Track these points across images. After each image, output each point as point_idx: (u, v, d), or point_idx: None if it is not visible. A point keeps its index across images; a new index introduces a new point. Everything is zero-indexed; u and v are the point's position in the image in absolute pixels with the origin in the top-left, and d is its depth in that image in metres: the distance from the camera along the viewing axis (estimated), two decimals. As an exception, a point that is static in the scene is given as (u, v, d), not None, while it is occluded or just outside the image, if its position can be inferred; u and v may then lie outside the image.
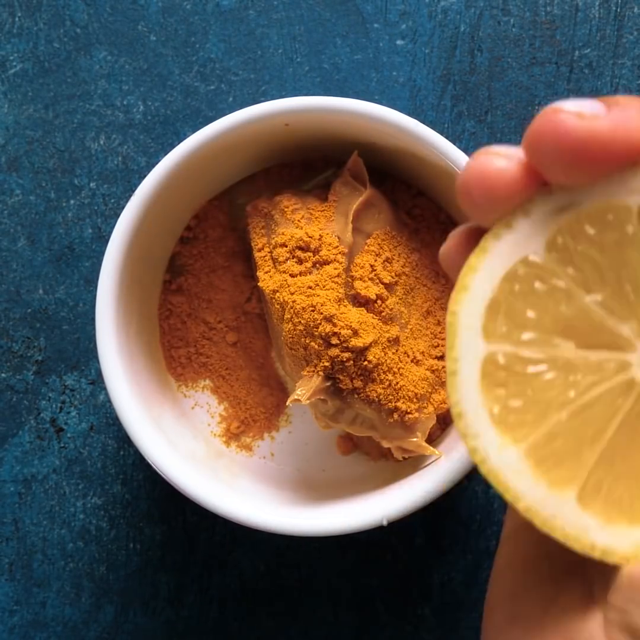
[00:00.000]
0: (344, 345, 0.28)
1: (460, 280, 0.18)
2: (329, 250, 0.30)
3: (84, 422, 0.36)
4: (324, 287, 0.29)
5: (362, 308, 0.30)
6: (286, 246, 0.30)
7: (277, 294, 0.30)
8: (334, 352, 0.28)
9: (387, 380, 0.29)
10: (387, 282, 0.31)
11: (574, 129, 0.16)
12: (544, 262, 0.18)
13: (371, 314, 0.30)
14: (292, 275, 0.30)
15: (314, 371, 0.29)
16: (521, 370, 0.18)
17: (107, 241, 0.30)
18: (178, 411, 0.34)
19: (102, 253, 0.30)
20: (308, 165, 0.34)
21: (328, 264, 0.30)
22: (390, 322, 0.30)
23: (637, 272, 0.17)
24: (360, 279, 0.30)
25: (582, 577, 0.20)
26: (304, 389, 0.28)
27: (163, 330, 0.34)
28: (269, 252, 0.31)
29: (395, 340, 0.30)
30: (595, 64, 0.36)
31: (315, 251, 0.30)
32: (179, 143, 0.30)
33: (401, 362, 0.30)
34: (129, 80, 0.37)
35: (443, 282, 0.33)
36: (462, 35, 0.36)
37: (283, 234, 0.30)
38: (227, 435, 0.34)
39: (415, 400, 0.30)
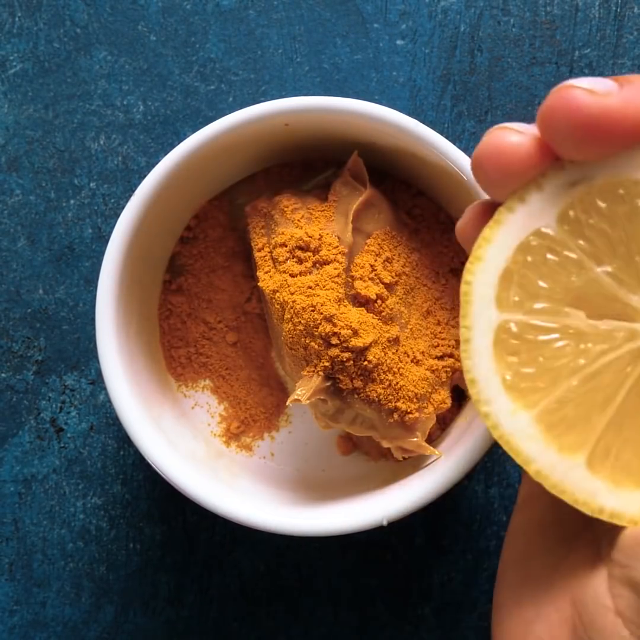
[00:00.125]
0: (344, 345, 0.28)
1: (475, 251, 0.19)
2: (329, 250, 0.30)
3: (84, 422, 0.36)
4: (324, 287, 0.29)
5: (362, 308, 0.30)
6: (286, 246, 0.30)
7: (277, 294, 0.30)
8: (334, 352, 0.28)
9: (387, 380, 0.29)
10: (387, 282, 0.31)
11: (585, 105, 0.17)
12: (556, 234, 0.18)
13: (371, 314, 0.30)
14: (292, 275, 0.30)
15: (314, 371, 0.29)
16: (533, 339, 0.18)
17: (107, 241, 0.30)
18: (178, 411, 0.34)
19: (102, 253, 0.30)
20: (308, 165, 0.34)
21: (328, 264, 0.30)
22: (390, 322, 0.30)
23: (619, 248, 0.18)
24: (361, 279, 0.30)
25: (591, 538, 0.21)
26: (304, 389, 0.28)
27: (163, 330, 0.34)
28: (269, 252, 0.31)
29: (395, 340, 0.30)
30: (595, 64, 0.36)
31: (315, 251, 0.30)
32: (179, 143, 0.30)
33: (401, 362, 0.30)
34: (129, 80, 0.37)
35: (443, 282, 0.33)
36: (462, 35, 0.36)
37: (283, 233, 0.30)
38: (227, 435, 0.34)
39: (415, 400, 0.30)
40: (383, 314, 0.30)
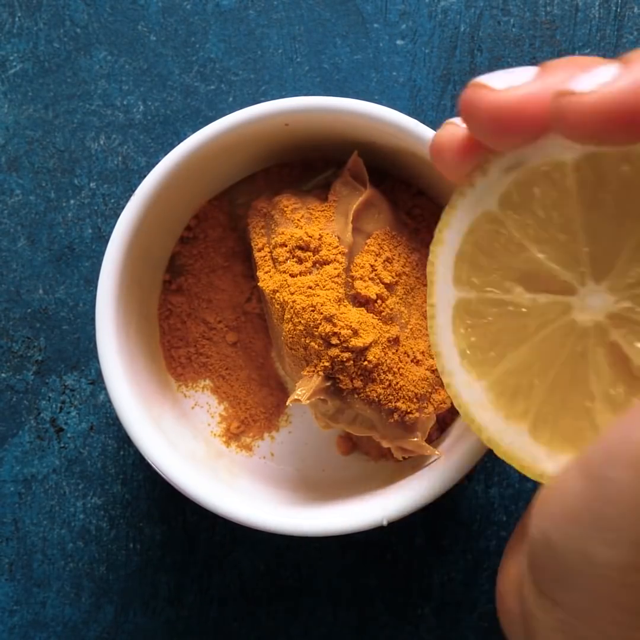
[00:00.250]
0: (344, 345, 0.28)
1: (437, 235, 0.20)
2: (329, 250, 0.30)
3: (84, 422, 0.36)
4: (324, 287, 0.29)
5: (362, 308, 0.30)
6: (286, 246, 0.30)
7: (277, 294, 0.30)
8: (334, 352, 0.28)
9: (387, 380, 0.29)
10: (388, 282, 0.31)
11: (483, 102, 0.18)
12: (499, 217, 0.19)
13: (371, 314, 0.30)
14: (292, 275, 0.30)
15: (314, 371, 0.29)
16: (484, 314, 0.20)
17: (107, 241, 0.30)
18: (178, 411, 0.34)
19: (102, 253, 0.30)
20: (308, 165, 0.34)
21: (328, 264, 0.30)
22: (390, 322, 0.30)
23: (575, 223, 0.18)
24: (361, 279, 0.30)
25: None
26: (304, 389, 0.28)
27: (163, 330, 0.34)
28: (269, 252, 0.31)
29: (396, 340, 0.30)
30: (595, 64, 0.36)
31: (315, 251, 0.30)
32: (179, 143, 0.30)
33: (401, 362, 0.30)
34: (129, 80, 0.37)
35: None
36: (462, 35, 0.36)
37: (283, 233, 0.30)
38: (227, 435, 0.34)
39: (415, 400, 0.30)
40: (383, 314, 0.30)
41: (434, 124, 0.36)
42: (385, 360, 0.29)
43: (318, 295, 0.29)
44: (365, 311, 0.30)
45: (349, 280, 0.30)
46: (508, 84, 0.18)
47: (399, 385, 0.29)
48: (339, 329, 0.28)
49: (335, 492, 0.32)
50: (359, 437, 0.33)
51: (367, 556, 0.36)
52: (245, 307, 0.34)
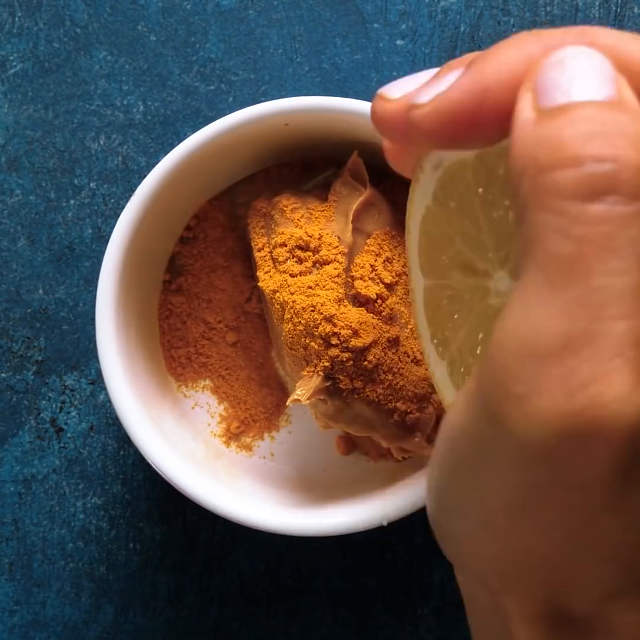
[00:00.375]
0: (344, 345, 0.28)
1: (406, 223, 0.22)
2: (328, 250, 0.30)
3: (84, 422, 0.36)
4: (324, 287, 0.29)
5: (362, 308, 0.30)
6: (286, 246, 0.30)
7: (277, 294, 0.30)
8: (334, 352, 0.28)
9: (387, 380, 0.29)
10: (388, 281, 0.31)
11: (376, 113, 0.19)
12: (434, 211, 0.21)
13: (371, 314, 0.30)
14: (292, 275, 0.30)
15: (314, 371, 0.29)
16: (440, 298, 0.22)
17: (107, 241, 0.30)
18: (178, 411, 0.34)
19: (102, 253, 0.30)
20: (308, 165, 0.34)
21: (328, 264, 0.30)
22: (390, 322, 0.30)
23: (479, 218, 0.20)
24: (361, 279, 0.30)
25: None
26: (304, 389, 0.28)
27: (163, 330, 0.34)
28: (269, 252, 0.31)
29: (396, 341, 0.30)
30: (595, 64, 0.36)
31: (315, 251, 0.30)
32: (179, 143, 0.30)
33: (401, 362, 0.30)
34: (129, 80, 0.37)
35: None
36: (462, 35, 0.36)
37: (283, 233, 0.30)
38: (227, 436, 0.34)
39: (415, 400, 0.30)
40: (383, 313, 0.30)
41: (434, 124, 0.36)
42: (385, 360, 0.29)
43: (318, 295, 0.29)
44: (365, 311, 0.30)
45: (349, 280, 0.30)
46: (402, 93, 0.19)
47: (399, 386, 0.29)
48: (339, 329, 0.28)
49: (335, 492, 0.32)
50: (359, 437, 0.33)
51: (367, 556, 0.36)
52: (245, 307, 0.34)
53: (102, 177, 0.37)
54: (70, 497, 0.36)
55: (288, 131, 0.31)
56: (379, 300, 0.30)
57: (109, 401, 0.36)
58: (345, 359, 0.28)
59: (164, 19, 0.37)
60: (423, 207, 0.21)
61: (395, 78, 0.34)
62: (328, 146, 0.33)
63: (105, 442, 0.36)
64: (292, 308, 0.29)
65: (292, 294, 0.29)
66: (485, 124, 0.17)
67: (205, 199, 0.34)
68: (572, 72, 0.15)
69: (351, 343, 0.28)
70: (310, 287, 0.29)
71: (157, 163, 0.30)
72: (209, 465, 0.33)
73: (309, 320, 0.28)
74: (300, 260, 0.30)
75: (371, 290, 0.30)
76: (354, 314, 0.29)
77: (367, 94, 0.36)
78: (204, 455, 0.33)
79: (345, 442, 0.34)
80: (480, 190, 0.20)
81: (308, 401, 0.28)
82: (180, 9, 0.37)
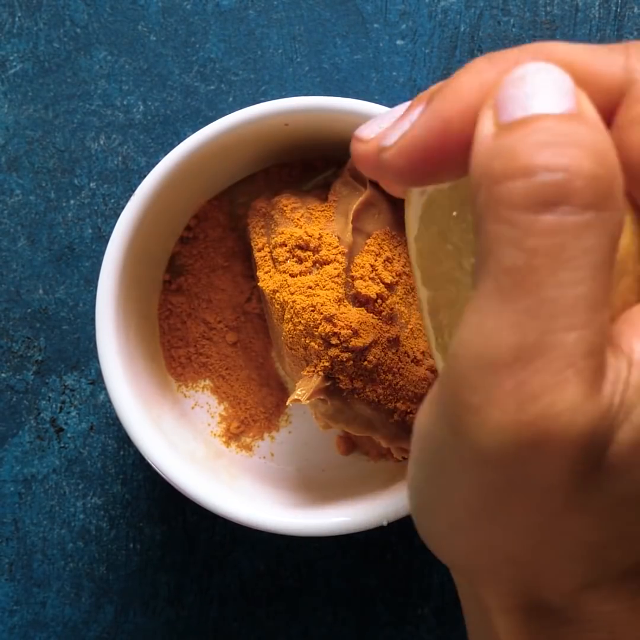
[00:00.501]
0: (344, 345, 0.28)
1: (407, 237, 0.23)
2: (328, 250, 0.30)
3: (84, 422, 0.36)
4: (324, 287, 0.29)
5: (362, 308, 0.30)
6: (286, 245, 0.30)
7: (277, 294, 0.30)
8: (334, 352, 0.28)
9: (387, 380, 0.29)
10: (388, 281, 0.31)
11: (356, 153, 0.20)
12: (423, 232, 0.22)
13: (371, 314, 0.30)
14: (292, 275, 0.30)
15: (314, 371, 0.29)
16: (440, 306, 0.23)
17: (107, 241, 0.30)
18: (178, 411, 0.34)
19: (102, 253, 0.30)
20: (308, 165, 0.34)
21: (328, 264, 0.30)
22: (390, 321, 0.30)
23: (458, 243, 0.21)
24: (361, 279, 0.30)
25: None
26: (304, 389, 0.28)
27: (163, 330, 0.34)
28: (269, 252, 0.31)
29: (396, 340, 0.30)
30: (595, 64, 0.36)
31: (315, 251, 0.30)
32: (179, 143, 0.30)
33: (401, 362, 0.30)
34: (129, 80, 0.37)
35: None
36: (462, 35, 0.36)
37: (283, 233, 0.30)
38: (227, 435, 0.34)
39: (415, 400, 0.30)
40: (383, 313, 0.30)
41: (434, 124, 0.36)
42: (385, 360, 0.29)
43: (318, 295, 0.29)
44: (366, 311, 0.30)
45: (349, 280, 0.30)
46: (375, 133, 0.19)
47: (399, 386, 0.29)
48: (339, 329, 0.28)
49: (335, 492, 0.32)
50: (358, 437, 0.33)
51: (367, 556, 0.36)
52: (245, 307, 0.34)
53: (102, 177, 0.37)
54: (70, 497, 0.36)
55: (288, 131, 0.31)
56: (379, 300, 0.30)
57: (109, 401, 0.36)
58: (345, 359, 0.28)
59: (164, 19, 0.37)
60: (415, 228, 0.22)
61: (395, 78, 0.34)
62: (328, 146, 0.33)
63: (105, 442, 0.36)
64: (292, 308, 0.29)
65: (292, 294, 0.29)
66: (452, 156, 0.17)
67: (205, 199, 0.34)
68: (531, 88, 0.15)
69: (351, 343, 0.28)
70: (310, 287, 0.29)
71: (157, 163, 0.30)
72: (209, 465, 0.33)
73: (309, 320, 0.28)
74: (300, 260, 0.30)
75: (371, 290, 0.30)
76: (354, 314, 0.29)
77: (367, 94, 0.36)
78: (204, 455, 0.33)
79: (345, 442, 0.34)
80: (454, 213, 0.21)
81: (308, 401, 0.28)
82: (180, 9, 0.37)
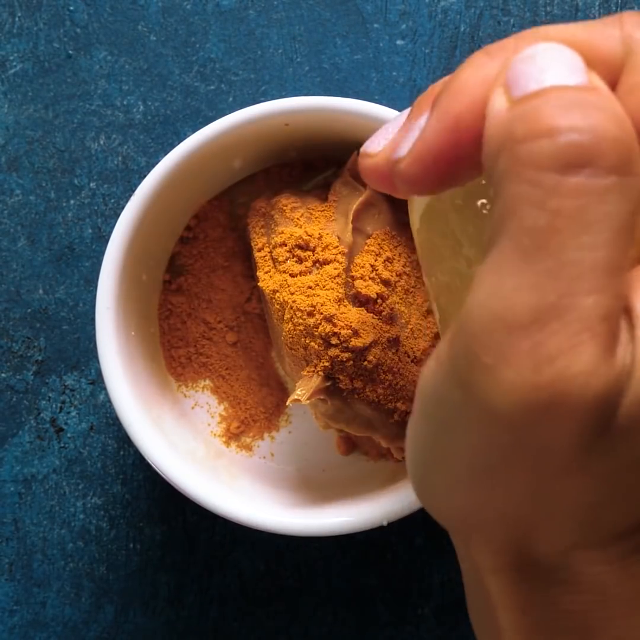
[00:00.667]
0: (344, 345, 0.28)
1: (411, 229, 0.24)
2: (329, 250, 0.30)
3: (84, 422, 0.36)
4: (324, 287, 0.29)
5: (362, 308, 0.30)
6: (286, 245, 0.30)
7: (277, 294, 0.30)
8: (334, 352, 0.28)
9: (387, 380, 0.29)
10: (388, 281, 0.31)
11: (364, 169, 0.20)
12: (425, 229, 0.23)
13: (371, 314, 0.30)
14: (292, 275, 0.30)
15: (314, 371, 0.29)
16: (444, 295, 0.24)
17: (107, 241, 0.30)
18: (178, 411, 0.34)
19: (102, 253, 0.30)
20: (308, 165, 0.34)
21: (328, 264, 0.30)
22: (390, 321, 0.30)
23: (459, 235, 0.22)
24: (361, 278, 0.30)
25: None
26: (304, 389, 0.28)
27: (163, 330, 0.34)
28: (269, 252, 0.31)
29: (396, 340, 0.30)
30: (595, 64, 0.36)
31: (315, 250, 0.30)
32: (179, 143, 0.30)
33: (401, 362, 0.30)
34: (129, 80, 0.37)
35: (443, 282, 0.33)
36: (462, 35, 0.36)
37: (282, 232, 0.30)
38: (227, 435, 0.34)
39: (415, 400, 0.30)
40: (383, 313, 0.30)
41: (434, 124, 0.36)
42: (386, 360, 0.29)
43: (318, 295, 0.29)
44: (366, 311, 0.30)
45: (349, 280, 0.30)
46: (381, 145, 0.19)
47: (399, 386, 0.29)
48: (339, 329, 0.28)
49: (335, 492, 0.32)
50: (358, 437, 0.33)
51: (367, 556, 0.36)
52: (245, 307, 0.34)
53: (102, 177, 0.37)
54: (70, 497, 0.36)
55: (288, 131, 0.31)
56: (379, 300, 0.30)
57: (109, 401, 0.36)
58: (345, 359, 0.28)
59: (164, 19, 0.37)
60: (417, 221, 0.23)
61: (395, 78, 0.34)
62: (328, 146, 0.33)
63: (105, 442, 0.36)
64: (292, 308, 0.29)
65: (292, 294, 0.29)
66: (468, 154, 0.17)
67: (205, 199, 0.34)
68: (543, 63, 0.15)
69: (351, 343, 0.28)
70: (310, 287, 0.29)
71: (157, 163, 0.30)
72: (209, 465, 0.33)
73: (309, 320, 0.29)
74: (300, 260, 0.30)
75: (371, 289, 0.30)
76: (354, 314, 0.29)
77: (367, 94, 0.36)
78: (204, 455, 0.33)
79: (345, 442, 0.34)
80: (458, 201, 0.21)
81: (308, 401, 0.28)
82: (180, 9, 0.37)
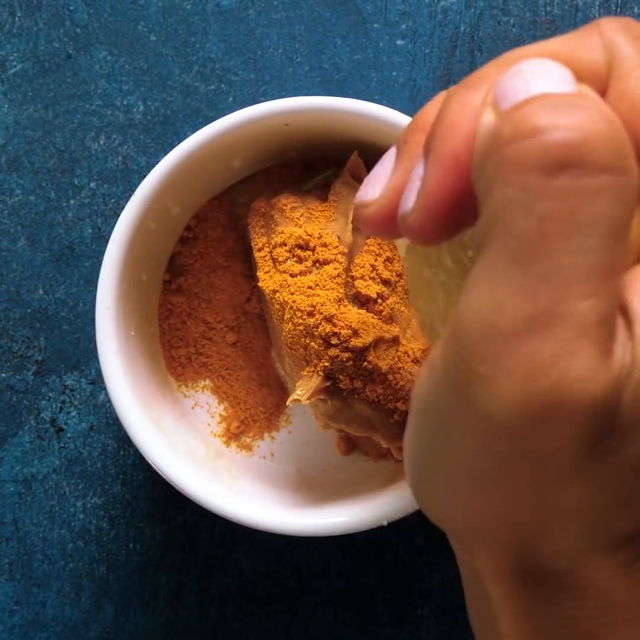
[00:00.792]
0: (344, 345, 0.28)
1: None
2: (329, 250, 0.30)
3: (84, 422, 0.36)
4: (324, 287, 0.29)
5: (362, 308, 0.30)
6: (286, 245, 0.30)
7: (277, 294, 0.30)
8: (334, 352, 0.28)
9: (387, 380, 0.29)
10: (389, 281, 0.31)
11: (363, 220, 0.19)
12: (407, 259, 0.25)
13: (371, 314, 0.30)
14: (292, 275, 0.30)
15: (313, 371, 0.29)
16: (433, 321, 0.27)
17: (107, 241, 0.30)
18: (178, 411, 0.34)
19: (102, 253, 0.30)
20: (308, 165, 0.34)
21: (328, 264, 0.30)
22: (390, 321, 0.30)
23: (442, 263, 0.24)
24: (362, 278, 0.30)
25: None
26: (304, 389, 0.28)
27: (163, 330, 0.34)
28: (269, 252, 0.31)
29: (396, 340, 0.30)
30: (595, 64, 0.36)
31: (315, 250, 0.30)
32: (179, 143, 0.30)
33: (401, 362, 0.30)
34: (129, 80, 0.37)
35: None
36: (462, 35, 0.36)
37: (282, 232, 0.30)
38: (227, 435, 0.34)
39: (415, 400, 0.30)
40: (383, 313, 0.30)
41: (434, 124, 0.36)
42: (386, 360, 0.29)
43: (318, 295, 0.29)
44: (366, 311, 0.30)
45: (349, 280, 0.30)
46: (375, 191, 0.19)
47: (399, 386, 0.29)
48: (339, 329, 0.28)
49: (335, 492, 0.32)
50: (358, 437, 0.33)
51: (367, 556, 0.36)
52: (245, 307, 0.34)
53: (102, 177, 0.37)
54: (70, 497, 0.36)
55: (288, 131, 0.31)
56: (379, 300, 0.30)
57: (109, 401, 0.36)
58: (345, 359, 0.28)
59: (164, 19, 0.37)
60: (402, 250, 0.25)
61: (395, 78, 0.34)
62: (328, 146, 0.33)
63: (105, 442, 0.36)
64: (292, 308, 0.29)
65: (292, 294, 0.29)
66: (473, 193, 0.17)
67: (205, 199, 0.34)
68: (531, 76, 0.15)
69: (351, 343, 0.28)
70: (310, 287, 0.29)
71: (157, 163, 0.30)
72: (209, 465, 0.33)
73: (309, 320, 0.28)
74: (300, 260, 0.30)
75: (371, 289, 0.30)
76: (354, 314, 0.29)
77: (367, 94, 0.36)
78: (204, 455, 0.33)
79: (345, 442, 0.34)
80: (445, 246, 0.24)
81: (308, 401, 0.28)
82: (180, 9, 0.37)
